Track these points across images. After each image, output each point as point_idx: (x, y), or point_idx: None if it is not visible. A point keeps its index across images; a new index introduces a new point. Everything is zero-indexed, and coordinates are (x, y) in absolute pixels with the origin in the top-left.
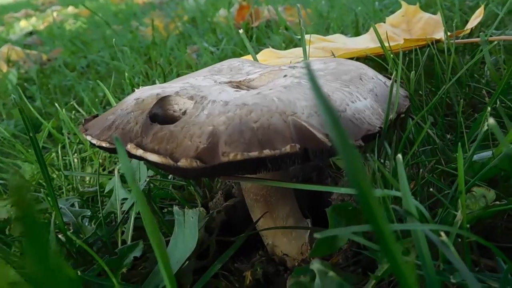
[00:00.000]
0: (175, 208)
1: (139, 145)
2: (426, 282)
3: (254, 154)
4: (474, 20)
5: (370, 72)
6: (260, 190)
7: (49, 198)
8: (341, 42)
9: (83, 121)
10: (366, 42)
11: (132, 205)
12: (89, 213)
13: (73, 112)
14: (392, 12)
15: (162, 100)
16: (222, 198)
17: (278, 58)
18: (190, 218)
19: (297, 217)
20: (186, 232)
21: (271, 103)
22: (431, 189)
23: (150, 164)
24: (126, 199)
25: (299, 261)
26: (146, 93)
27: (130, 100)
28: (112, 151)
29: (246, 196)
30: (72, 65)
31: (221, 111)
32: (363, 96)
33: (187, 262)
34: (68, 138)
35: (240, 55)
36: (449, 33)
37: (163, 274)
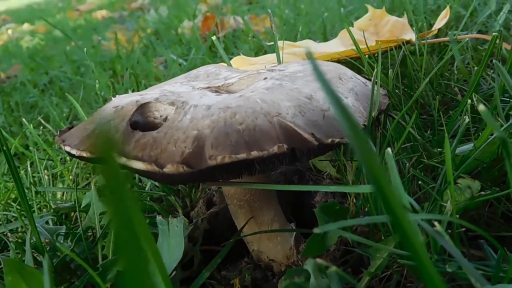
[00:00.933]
0: (159, 217)
1: (121, 154)
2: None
3: (242, 156)
4: (441, 21)
5: (348, 72)
6: (243, 195)
7: (22, 217)
8: (312, 47)
9: (58, 132)
10: (336, 46)
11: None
12: (64, 230)
13: (41, 128)
14: (358, 17)
15: (142, 107)
16: (204, 206)
17: (250, 64)
18: (175, 227)
19: (282, 221)
20: (171, 242)
21: (255, 104)
22: (419, 182)
23: (133, 172)
24: (104, 213)
25: (285, 266)
26: (125, 100)
27: (108, 108)
28: (93, 161)
29: (229, 203)
30: (32, 82)
31: (204, 114)
32: (344, 95)
33: (174, 272)
34: (37, 154)
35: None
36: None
37: (160, 282)
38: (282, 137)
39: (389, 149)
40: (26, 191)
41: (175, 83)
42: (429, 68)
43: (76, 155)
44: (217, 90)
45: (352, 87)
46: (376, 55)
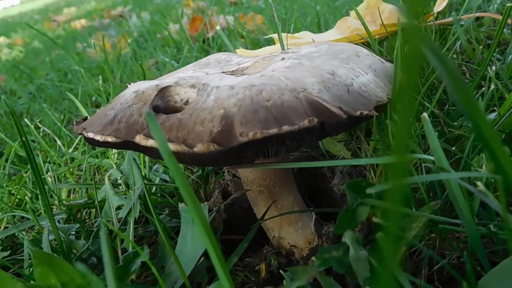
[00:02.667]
0: (181, 205)
1: (149, 136)
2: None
3: (274, 131)
4: (441, 4)
5: (364, 50)
6: (263, 181)
7: (42, 214)
8: (310, 38)
9: (74, 122)
10: (334, 35)
11: (130, 211)
12: (76, 228)
13: (40, 130)
14: (350, 9)
15: (162, 91)
16: (220, 196)
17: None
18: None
19: (301, 206)
20: (196, 230)
21: (279, 81)
22: (453, 148)
23: (158, 156)
24: (120, 207)
25: (307, 251)
26: (144, 85)
27: (128, 93)
28: (118, 145)
29: (248, 189)
30: (18, 92)
31: (229, 94)
32: (364, 71)
33: (201, 260)
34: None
35: None
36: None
37: (216, 265)
38: (310, 112)
39: (425, 114)
40: (30, 194)
41: (187, 71)
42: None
43: (100, 140)
44: (232, 74)
45: (370, 64)
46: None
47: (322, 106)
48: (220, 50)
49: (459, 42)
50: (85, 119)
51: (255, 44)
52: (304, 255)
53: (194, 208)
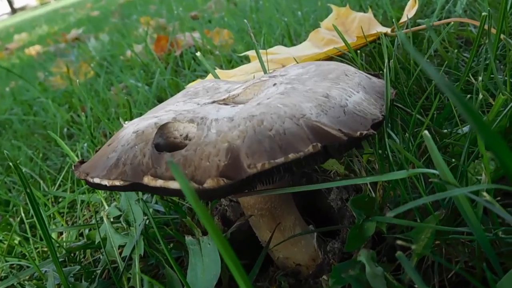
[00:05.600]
0: (188, 238)
1: (156, 176)
2: (477, 242)
3: (281, 160)
4: (410, 11)
5: (351, 68)
6: (264, 204)
7: (36, 259)
8: (285, 52)
9: (73, 167)
10: (309, 48)
11: (133, 249)
12: (76, 269)
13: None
14: (316, 19)
15: (162, 129)
16: (219, 222)
17: (229, 77)
18: (207, 245)
19: (303, 224)
20: (206, 260)
21: (278, 109)
22: (453, 160)
23: (169, 194)
24: (123, 245)
25: (313, 268)
26: (142, 124)
27: (128, 134)
28: (126, 188)
29: (249, 213)
30: None
31: (230, 126)
32: (355, 90)
33: None
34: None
35: (180, 85)
36: (388, 29)
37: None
38: (312, 137)
39: (426, 132)
40: (18, 238)
41: (177, 102)
42: (409, 56)
43: (108, 185)
44: (225, 103)
45: (359, 82)
46: (360, 50)
47: (323, 130)
48: (189, 68)
49: (433, 47)
50: (82, 162)
51: (228, 61)
52: (310, 272)
53: (224, 249)
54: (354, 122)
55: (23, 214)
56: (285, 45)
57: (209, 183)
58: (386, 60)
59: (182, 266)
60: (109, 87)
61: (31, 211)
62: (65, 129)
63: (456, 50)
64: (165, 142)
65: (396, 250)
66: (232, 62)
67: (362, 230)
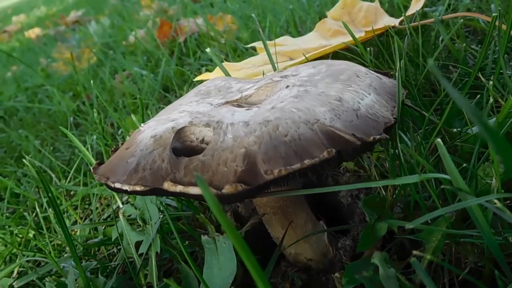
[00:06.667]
0: (204, 237)
1: (175, 181)
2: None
3: (297, 166)
4: (417, 3)
5: (361, 68)
6: (276, 202)
7: (51, 253)
8: (292, 44)
9: (91, 169)
10: (316, 40)
11: (150, 246)
12: (93, 265)
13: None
14: (321, 6)
15: (179, 133)
16: (232, 219)
17: (237, 70)
18: (223, 244)
19: (314, 221)
20: (222, 259)
21: (292, 114)
22: (465, 165)
23: (188, 197)
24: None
25: (324, 263)
26: (160, 128)
27: (146, 138)
28: (146, 193)
29: (262, 211)
30: None
31: (246, 131)
32: (367, 92)
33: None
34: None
35: (185, 74)
36: (395, 20)
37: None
38: (326, 142)
39: (439, 139)
40: (33, 232)
41: (190, 102)
42: (418, 50)
43: (129, 190)
44: (238, 104)
45: (370, 83)
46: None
47: (337, 135)
48: (194, 56)
49: (441, 40)
50: (100, 163)
51: (233, 49)
52: (321, 267)
53: (242, 249)
54: (367, 126)
55: (38, 209)
56: (291, 34)
57: (227, 189)
58: (397, 65)
59: (196, 261)
60: (112, 74)
61: (44, 204)
62: (71, 118)
63: (464, 44)
64: (182, 145)
65: (406, 247)
66: (237, 51)
67: (374, 231)
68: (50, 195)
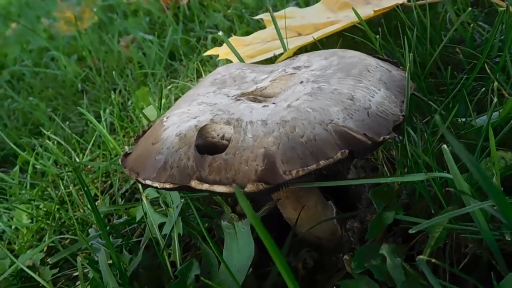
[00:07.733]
0: (224, 223)
1: (202, 179)
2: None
3: (313, 167)
4: None
5: (372, 60)
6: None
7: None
8: (299, 16)
9: (120, 161)
10: (324, 13)
11: (173, 227)
12: (119, 242)
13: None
14: None
15: (201, 130)
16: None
17: (245, 45)
18: (241, 229)
19: (323, 202)
20: (240, 243)
21: (308, 115)
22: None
23: (213, 194)
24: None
25: (333, 241)
26: (183, 126)
27: (171, 136)
28: (175, 189)
29: (276, 195)
30: None
31: (265, 131)
32: (377, 88)
33: (250, 269)
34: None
35: (189, 43)
36: None
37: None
38: (340, 143)
39: (445, 146)
40: (57, 206)
41: (206, 92)
42: (427, 30)
43: (159, 187)
44: (254, 97)
45: (380, 77)
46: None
47: (349, 135)
48: (198, 20)
49: (448, 16)
50: (126, 154)
51: (238, 17)
52: (331, 245)
53: (262, 233)
54: (377, 124)
55: (61, 186)
56: (298, 3)
57: (249, 188)
58: (407, 65)
59: (212, 238)
60: (116, 37)
61: (65, 178)
62: (79, 85)
63: (472, 24)
64: (204, 142)
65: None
66: (244, 20)
67: (381, 219)
68: (85, 189)
